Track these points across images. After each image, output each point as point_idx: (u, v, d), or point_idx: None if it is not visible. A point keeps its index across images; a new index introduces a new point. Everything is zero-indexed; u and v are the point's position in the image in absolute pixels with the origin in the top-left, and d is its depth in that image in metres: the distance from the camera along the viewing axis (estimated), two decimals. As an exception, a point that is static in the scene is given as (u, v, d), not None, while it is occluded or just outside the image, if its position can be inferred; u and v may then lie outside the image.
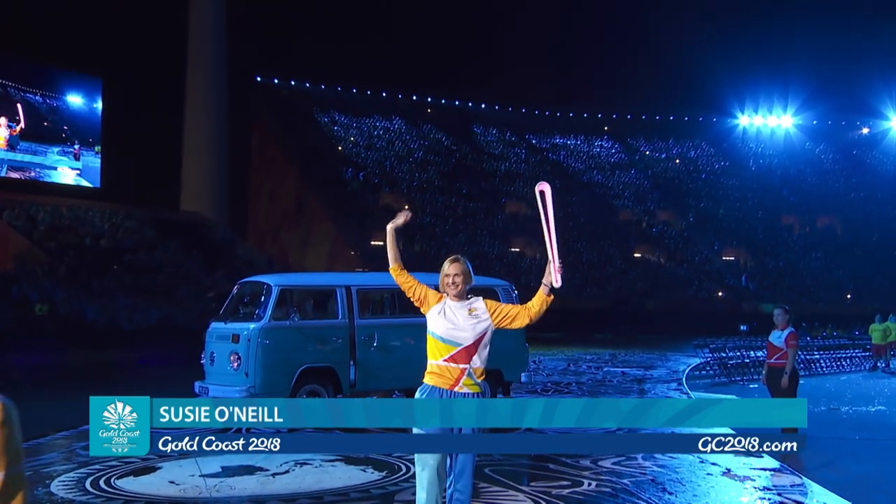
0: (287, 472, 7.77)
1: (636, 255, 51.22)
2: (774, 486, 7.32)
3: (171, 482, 7.39)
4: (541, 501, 6.58)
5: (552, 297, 5.04)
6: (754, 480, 7.52)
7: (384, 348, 10.82)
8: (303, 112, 57.22)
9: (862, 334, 31.39)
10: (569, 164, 61.05)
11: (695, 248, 53.30)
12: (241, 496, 6.89)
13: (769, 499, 6.81)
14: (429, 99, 64.39)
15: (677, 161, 63.37)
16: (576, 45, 66.09)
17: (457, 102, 64.84)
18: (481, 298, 5.21)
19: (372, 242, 47.17)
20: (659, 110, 65.77)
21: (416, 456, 4.95)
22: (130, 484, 7.36)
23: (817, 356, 22.69)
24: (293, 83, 60.08)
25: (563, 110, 65.42)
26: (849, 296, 50.67)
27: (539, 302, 5.05)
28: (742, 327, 36.46)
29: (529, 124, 64.05)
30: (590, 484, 7.24)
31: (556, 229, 5.05)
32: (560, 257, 5.04)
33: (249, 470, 7.86)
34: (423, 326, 11.21)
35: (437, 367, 5.07)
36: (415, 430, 4.80)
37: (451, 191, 53.37)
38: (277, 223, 52.82)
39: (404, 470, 7.70)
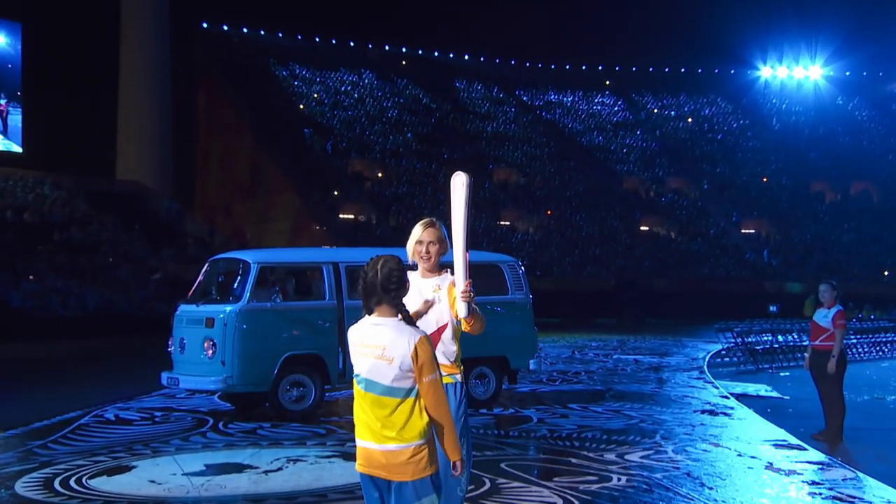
0: (280, 469, 8.04)
1: (643, 228, 51.72)
2: (824, 480, 7.66)
3: (152, 481, 7.63)
4: (570, 498, 6.88)
5: (473, 320, 4.77)
6: (801, 475, 7.85)
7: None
8: (257, 65, 57.01)
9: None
10: (565, 124, 61.35)
11: (710, 220, 53.90)
12: (234, 495, 7.15)
13: (820, 493, 7.14)
14: (403, 49, 64.30)
15: (689, 120, 63.86)
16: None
17: (436, 53, 64.82)
18: (451, 276, 4.86)
19: (341, 216, 47.28)
20: (668, 61, 66.13)
21: None
22: (105, 484, 7.59)
23: (854, 340, 23.19)
24: (245, 31, 59.76)
25: (558, 62, 65.63)
26: (886, 273, 51.44)
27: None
28: (771, 308, 37.08)
29: (520, 78, 64.22)
30: (619, 479, 7.56)
31: (467, 237, 4.68)
32: (467, 276, 4.62)
33: (236, 468, 8.13)
34: (422, 308, 11.50)
35: None
36: None
37: (430, 156, 53.56)
38: (230, 195, 52.76)
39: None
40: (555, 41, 63.75)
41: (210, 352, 10.61)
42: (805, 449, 9.05)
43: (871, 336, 24.38)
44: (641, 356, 20.76)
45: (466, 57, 65.04)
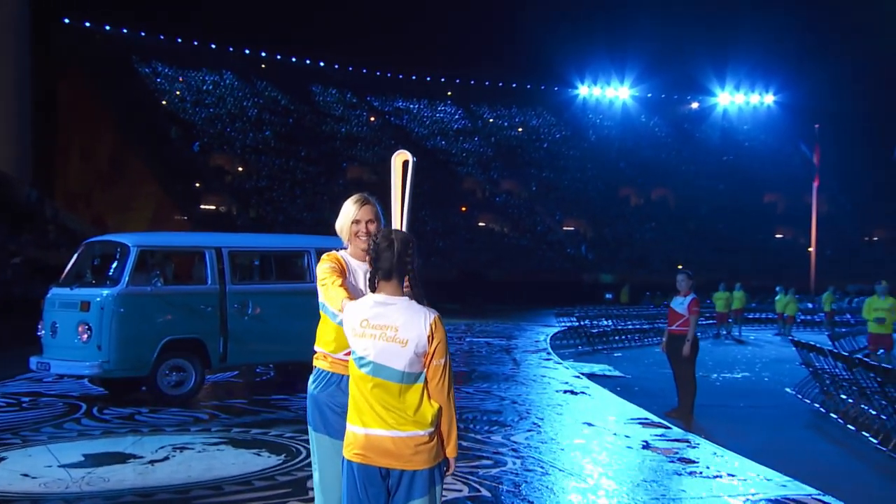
0: (167, 458, 6.93)
1: (480, 224, 51.86)
2: (698, 458, 7.24)
3: (25, 475, 6.38)
4: (474, 484, 6.14)
5: None
6: (677, 453, 7.42)
7: (259, 318, 10.02)
8: (119, 61, 53.55)
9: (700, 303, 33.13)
10: (412, 128, 60.82)
11: (537, 219, 54.65)
12: (120, 489, 6.00)
13: (700, 472, 6.69)
14: (263, 54, 62.11)
15: (520, 129, 64.60)
16: (417, 6, 65.66)
17: (293, 59, 62.96)
18: None
19: (202, 206, 45.07)
20: (502, 77, 66.66)
21: (313, 454, 3.86)
22: (-27, 479, 6.29)
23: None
24: (108, 28, 56.11)
25: (405, 73, 65.02)
26: (680, 266, 53.58)
27: None
28: (607, 295, 37.71)
29: (371, 86, 63.22)
30: (514, 462, 6.89)
31: (408, 219, 3.75)
32: None
33: (118, 458, 6.96)
34: (304, 294, 10.52)
35: (335, 360, 3.78)
36: (314, 434, 3.81)
37: (288, 153, 51.87)
38: (92, 184, 49.33)
39: (304, 454, 7.05)
40: (402, 54, 62.90)
41: (85, 336, 9.29)
42: (669, 427, 8.67)
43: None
44: (491, 339, 20.34)
45: (322, 64, 63.49)
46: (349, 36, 62.14)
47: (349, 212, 3.94)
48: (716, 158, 66.89)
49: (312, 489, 5.89)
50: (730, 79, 72.81)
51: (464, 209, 51.88)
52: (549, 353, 16.66)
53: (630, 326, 22.33)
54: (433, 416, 3.23)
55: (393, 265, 3.26)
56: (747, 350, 19.66)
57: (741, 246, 55.00)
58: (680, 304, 9.93)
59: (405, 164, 3.92)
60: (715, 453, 7.38)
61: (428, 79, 64.68)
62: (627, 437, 8.05)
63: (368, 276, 3.37)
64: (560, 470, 6.65)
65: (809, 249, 47.30)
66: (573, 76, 69.16)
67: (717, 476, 6.50)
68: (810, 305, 34.34)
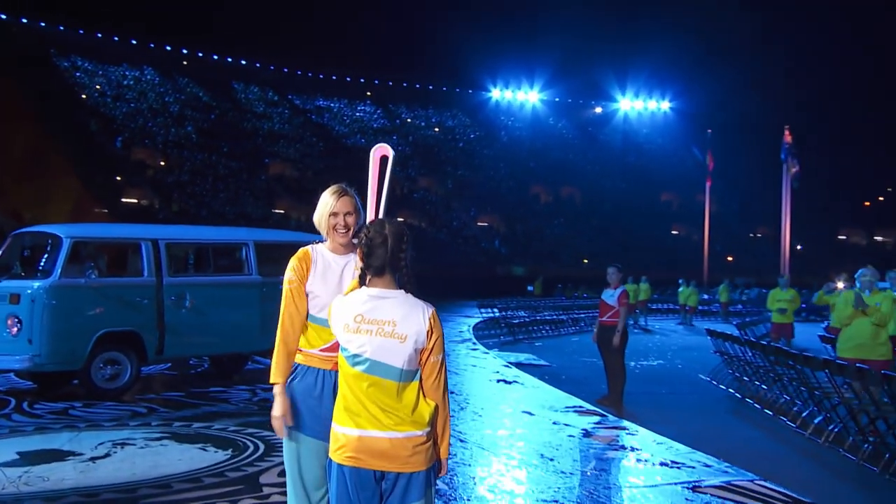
0: (108, 455, 6.41)
1: (399, 219, 51.15)
2: (641, 446, 7.13)
3: (-44, 476, 5.80)
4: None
5: None
6: (618, 440, 7.31)
7: (197, 310, 9.48)
8: (38, 54, 51.04)
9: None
10: (332, 126, 59.93)
11: (453, 214, 54.58)
12: (61, 489, 5.49)
13: (647, 460, 6.56)
14: (184, 51, 60.22)
15: (437, 129, 64.44)
16: (338, 7, 64.78)
17: (215, 57, 61.24)
18: None
19: (123, 199, 43.38)
20: (419, 79, 66.40)
21: (285, 451, 3.50)
22: None
23: (582, 315, 23.79)
24: (25, 21, 53.45)
25: (325, 72, 64.02)
26: (586, 260, 54.39)
27: None
28: (529, 287, 37.78)
29: (292, 84, 61.99)
30: (463, 453, 6.63)
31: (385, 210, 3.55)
32: None
33: (56, 455, 6.41)
34: (242, 286, 10.01)
35: (313, 355, 3.45)
36: (288, 432, 3.42)
37: (210, 148, 50.36)
38: (7, 176, 46.85)
39: (251, 448, 6.64)
40: (322, 54, 61.94)
41: (15, 329, 8.59)
42: (604, 415, 8.57)
43: (591, 311, 25.12)
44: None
45: (243, 62, 61.94)
46: (270, 35, 60.85)
47: (327, 203, 3.56)
48: (618, 160, 68.11)
49: (265, 486, 5.56)
50: (630, 86, 74.39)
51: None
52: (474, 343, 16.48)
53: (548, 317, 22.39)
54: (430, 415, 2.93)
55: (386, 262, 2.96)
56: (656, 339, 19.91)
57: (641, 241, 56.12)
58: (611, 296, 9.85)
59: (383, 158, 3.61)
60: (654, 441, 7.28)
61: (348, 79, 63.86)
62: (567, 425, 7.89)
63: (358, 271, 3.06)
64: (514, 462, 6.43)
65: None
66: (486, 80, 69.53)
67: (662, 464, 6.38)
68: (706, 297, 35.21)
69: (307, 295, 3.47)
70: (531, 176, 62.34)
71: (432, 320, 2.95)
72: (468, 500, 5.31)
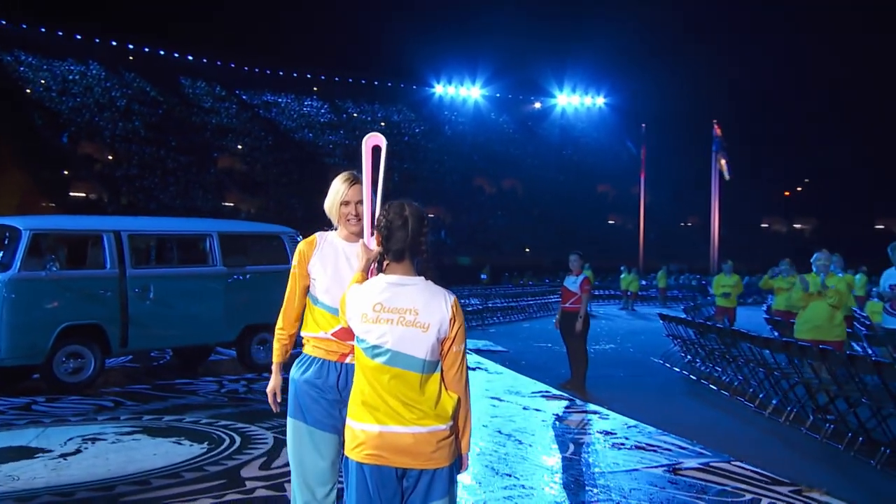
0: (78, 451, 6.01)
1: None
2: (614, 429, 7.01)
3: (-81, 478, 5.35)
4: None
5: None
6: (590, 424, 7.18)
7: (162, 302, 9.05)
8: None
9: (551, 282, 33.87)
10: (280, 121, 58.92)
11: (399, 207, 54.13)
12: (33, 488, 5.09)
13: (623, 444, 6.43)
14: (130, 46, 58.43)
15: (382, 124, 63.86)
16: (284, 4, 63.68)
17: (161, 52, 59.60)
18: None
19: (71, 194, 41.91)
20: (364, 75, 65.69)
21: (291, 454, 3.30)
22: None
23: (531, 302, 23.77)
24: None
25: (272, 68, 62.88)
26: (527, 249, 54.64)
27: None
28: (482, 276, 37.60)
29: (239, 80, 60.73)
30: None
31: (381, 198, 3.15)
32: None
33: (24, 452, 5.98)
34: (206, 277, 9.59)
35: (317, 340, 3.30)
36: (290, 421, 3.29)
37: (159, 142, 48.98)
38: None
39: (227, 441, 6.31)
40: (269, 50, 60.79)
41: (-28, 324, 8.07)
42: (571, 399, 8.45)
43: (539, 298, 25.15)
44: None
45: (190, 58, 60.40)
46: (217, 32, 59.50)
47: (338, 191, 3.36)
48: (556, 153, 68.58)
49: (247, 479, 5.26)
50: (567, 82, 74.98)
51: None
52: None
53: (499, 304, 22.30)
54: (453, 407, 2.69)
55: (406, 245, 2.71)
56: (602, 324, 19.94)
57: (579, 230, 56.58)
58: (573, 282, 9.72)
59: (375, 149, 3.35)
60: (626, 424, 7.17)
61: (294, 75, 62.83)
62: (538, 410, 7.74)
63: (362, 260, 2.81)
64: (492, 447, 6.24)
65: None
66: (430, 76, 69.25)
67: (638, 447, 6.26)
68: (643, 282, 35.63)
69: (311, 279, 3.32)
70: (474, 169, 62.31)
71: (454, 308, 2.71)
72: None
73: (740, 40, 68.85)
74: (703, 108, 59.46)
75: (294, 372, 3.31)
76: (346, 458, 2.73)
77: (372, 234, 3.22)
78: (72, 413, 7.49)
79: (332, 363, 3.25)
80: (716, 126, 37.43)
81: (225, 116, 55.78)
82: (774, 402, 8.02)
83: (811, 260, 8.21)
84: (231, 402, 8.05)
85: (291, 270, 3.40)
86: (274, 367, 3.41)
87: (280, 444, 6.18)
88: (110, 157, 45.87)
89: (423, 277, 2.72)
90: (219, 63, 60.64)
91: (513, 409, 7.84)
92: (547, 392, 8.74)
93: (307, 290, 3.37)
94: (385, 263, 2.74)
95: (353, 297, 2.74)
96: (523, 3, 68.70)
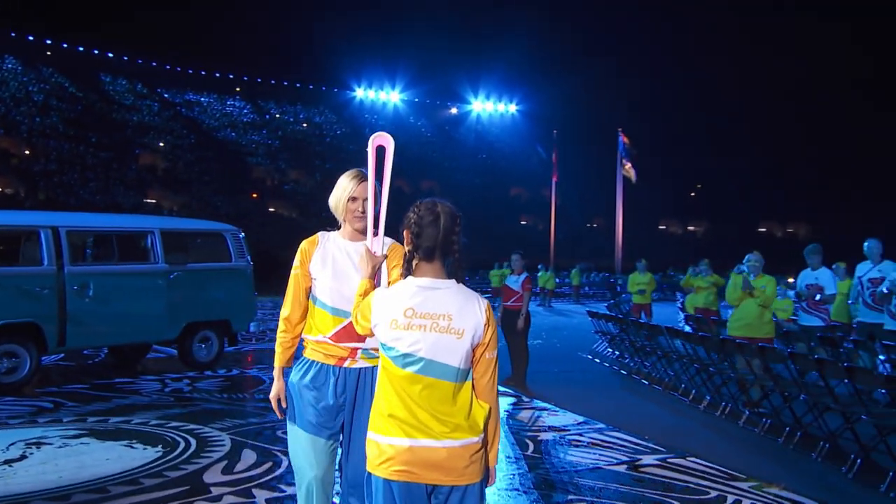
0: (24, 457, 5.48)
1: (271, 209, 49.70)
2: (567, 425, 6.89)
3: None
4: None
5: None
6: (542, 420, 7.04)
7: (101, 299, 8.45)
8: None
9: (469, 280, 33.90)
10: (202, 120, 57.08)
11: (322, 205, 53.21)
12: (-20, 500, 4.60)
13: (579, 441, 6.31)
14: (48, 41, 55.55)
15: (305, 125, 62.74)
16: (207, 4, 61.79)
17: (80, 48, 56.87)
18: (389, 240, 3.08)
19: (-13, 188, 39.54)
20: (286, 77, 64.43)
21: (292, 460, 3.10)
22: None
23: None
24: None
25: (194, 68, 60.93)
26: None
27: None
28: None
29: (161, 78, 58.52)
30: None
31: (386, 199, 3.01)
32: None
33: (-38, 460, 5.42)
34: (147, 275, 9.04)
35: (315, 344, 3.05)
36: (291, 427, 3.07)
37: (78, 138, 46.68)
38: None
39: (182, 444, 5.88)
40: (192, 50, 58.75)
41: None
42: (518, 396, 8.31)
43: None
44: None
45: (110, 55, 57.82)
46: (138, 30, 57.21)
47: (346, 188, 3.14)
48: (472, 156, 68.87)
49: (212, 485, 4.88)
50: (481, 90, 75.44)
51: (255, 196, 49.52)
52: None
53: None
54: (485, 418, 2.45)
55: (437, 243, 2.45)
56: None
57: (493, 231, 56.94)
58: (514, 281, 9.60)
59: (379, 149, 3.11)
60: (575, 420, 7.06)
61: (217, 75, 61.03)
62: (486, 406, 7.54)
63: (405, 255, 2.53)
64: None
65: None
66: (351, 80, 68.50)
67: (594, 443, 6.15)
68: (557, 280, 36.05)
69: (313, 279, 3.10)
70: (394, 170, 61.70)
71: (488, 312, 2.47)
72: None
73: (646, 51, 70.83)
74: (610, 116, 60.85)
75: (293, 376, 3.09)
76: (370, 474, 2.45)
77: (375, 235, 2.99)
78: (9, 415, 6.88)
79: (330, 367, 3.04)
80: (622, 134, 38.24)
81: (147, 114, 53.63)
82: (708, 397, 8.07)
83: (744, 261, 8.31)
84: (178, 402, 7.57)
85: (293, 271, 3.16)
86: (275, 372, 3.13)
87: (238, 445, 5.82)
88: (27, 152, 43.46)
89: (454, 280, 2.47)
90: (140, 61, 58.29)
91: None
92: (492, 388, 8.56)
93: (309, 291, 3.13)
94: (415, 264, 2.48)
95: (381, 301, 2.47)
96: (441, 13, 68.86)
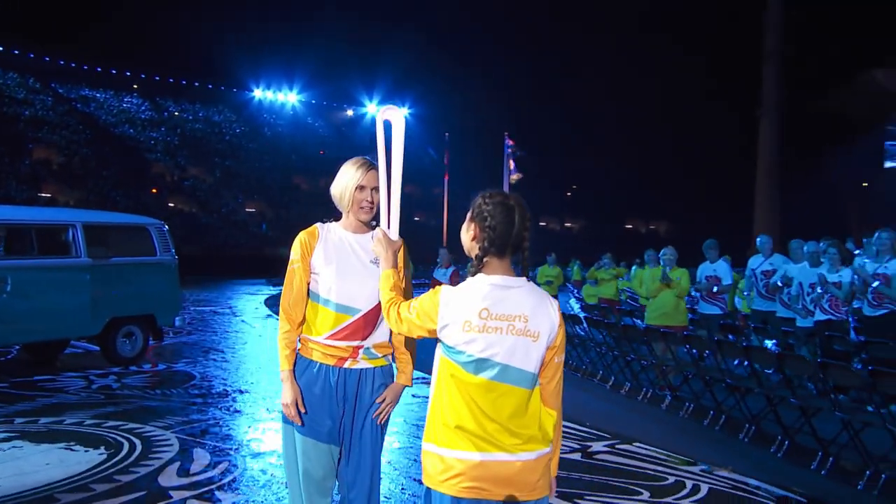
0: (-50, 467, 4.77)
1: (171, 205, 47.28)
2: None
3: None
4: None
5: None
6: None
7: (20, 294, 7.61)
8: None
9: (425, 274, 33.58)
10: (99, 116, 53.66)
11: (223, 201, 51.37)
12: None
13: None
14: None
15: (204, 123, 60.24)
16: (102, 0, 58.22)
17: (-33, 40, 52.23)
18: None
19: None
20: (185, 75, 61.58)
21: (285, 461, 2.80)
22: None
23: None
24: None
25: (90, 64, 57.17)
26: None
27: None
28: None
29: (54, 74, 54.58)
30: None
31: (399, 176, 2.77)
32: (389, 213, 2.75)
33: None
34: (70, 269, 8.24)
35: (314, 343, 2.73)
36: (286, 430, 2.78)
37: (-34, 131, 42.85)
38: None
39: (126, 445, 5.30)
40: (87, 45, 54.99)
41: None
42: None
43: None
44: (214, 307, 18.30)
45: (0, 48, 53.35)
46: (28, 24, 53.12)
47: (353, 177, 2.83)
48: (368, 156, 68.15)
49: (171, 489, 4.39)
50: (376, 93, 74.80)
51: (154, 191, 46.98)
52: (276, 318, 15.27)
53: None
54: (553, 427, 2.18)
55: (510, 239, 2.14)
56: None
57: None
58: (443, 275, 9.41)
59: (386, 123, 2.79)
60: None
61: (113, 71, 57.52)
62: (427, 398, 7.27)
63: (477, 251, 2.18)
64: (402, 440, 5.72)
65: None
66: (250, 80, 66.35)
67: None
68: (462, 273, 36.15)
69: (313, 275, 2.75)
70: (293, 168, 60.40)
71: (560, 313, 2.20)
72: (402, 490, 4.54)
73: (535, 58, 72.31)
74: (498, 118, 61.73)
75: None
76: (430, 489, 2.13)
77: (387, 223, 2.70)
78: (-78, 421, 6.03)
79: (329, 367, 2.73)
80: (507, 137, 38.80)
81: (40, 109, 49.82)
82: (628, 385, 8.12)
83: (660, 254, 8.41)
84: (109, 399, 6.89)
85: (290, 266, 2.79)
86: (286, 375, 2.73)
87: (187, 444, 5.31)
88: None
89: (524, 278, 2.18)
90: (31, 55, 54.10)
91: (402, 397, 7.32)
92: (426, 378, 8.31)
93: (309, 286, 2.77)
94: (485, 260, 2.17)
95: (452, 300, 2.13)
96: (339, 17, 67.85)
